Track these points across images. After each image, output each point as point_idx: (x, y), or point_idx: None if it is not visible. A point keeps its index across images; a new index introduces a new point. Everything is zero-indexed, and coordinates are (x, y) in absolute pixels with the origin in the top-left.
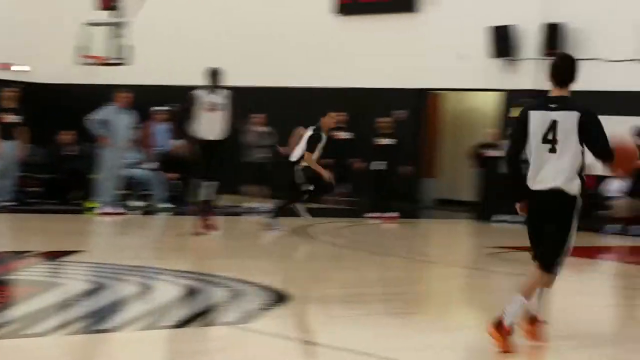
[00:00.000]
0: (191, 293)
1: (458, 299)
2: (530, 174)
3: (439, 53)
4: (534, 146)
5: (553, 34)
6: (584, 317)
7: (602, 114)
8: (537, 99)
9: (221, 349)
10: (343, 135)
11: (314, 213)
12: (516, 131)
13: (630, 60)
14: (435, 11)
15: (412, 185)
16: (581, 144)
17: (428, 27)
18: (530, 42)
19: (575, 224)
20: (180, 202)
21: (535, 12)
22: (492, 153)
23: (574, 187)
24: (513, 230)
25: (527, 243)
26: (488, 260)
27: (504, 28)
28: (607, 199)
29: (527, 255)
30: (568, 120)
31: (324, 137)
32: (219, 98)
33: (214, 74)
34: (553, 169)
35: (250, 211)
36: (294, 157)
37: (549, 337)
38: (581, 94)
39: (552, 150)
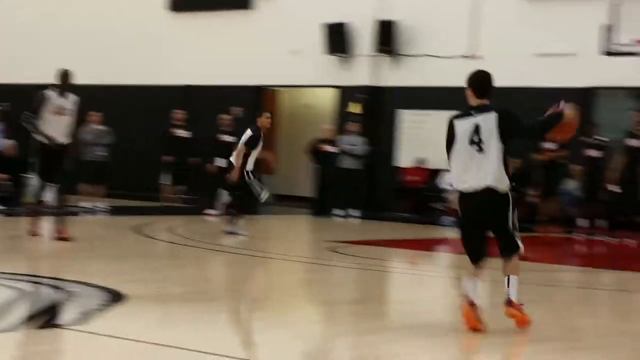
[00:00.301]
0: (25, 296)
1: (299, 294)
2: (459, 177)
3: (275, 50)
4: (462, 149)
5: (386, 31)
6: (423, 308)
7: (435, 108)
8: (462, 110)
9: (55, 351)
10: (182, 133)
11: (151, 211)
12: (447, 140)
13: (461, 56)
14: (270, 8)
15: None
16: (504, 142)
17: (263, 23)
18: (365, 39)
19: (513, 212)
20: (12, 202)
21: (369, 10)
22: (329, 148)
23: (503, 185)
24: (350, 225)
25: (366, 237)
26: (327, 254)
27: (339, 25)
28: (442, 191)
29: (365, 248)
30: (488, 121)
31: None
32: (68, 102)
33: (64, 75)
34: (482, 168)
35: (86, 211)
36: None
37: (396, 328)
38: (414, 89)
39: (480, 150)
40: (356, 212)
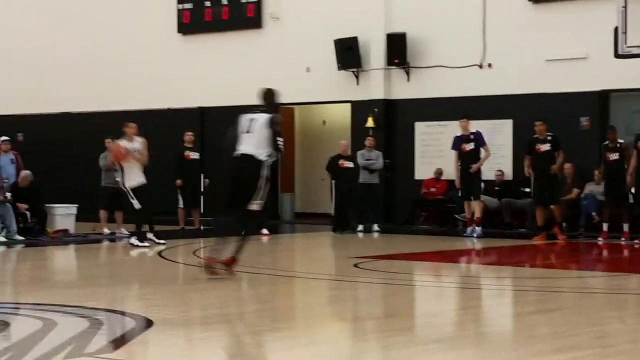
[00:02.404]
0: (52, 326)
1: (324, 312)
2: None
3: (287, 67)
4: None
5: (398, 44)
6: (449, 320)
7: (450, 119)
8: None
9: None
10: (192, 155)
11: (173, 235)
12: None
13: (472, 65)
14: (279, 26)
15: (272, 201)
16: None
17: (274, 42)
18: (376, 52)
19: None
20: (33, 233)
21: (379, 23)
22: (346, 164)
23: None
24: (372, 239)
25: (389, 251)
26: (352, 271)
27: (350, 40)
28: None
29: (389, 262)
30: None
31: None
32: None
33: (270, 94)
34: None
35: (108, 237)
36: None
37: (425, 342)
38: (428, 100)
39: None
40: (377, 227)
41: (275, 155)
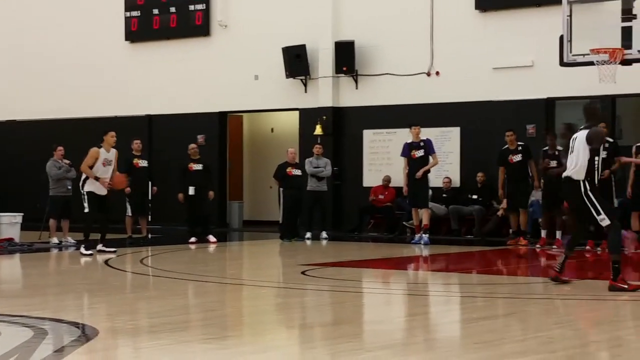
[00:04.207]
0: None
1: (272, 319)
2: None
3: (235, 75)
4: None
5: (345, 52)
6: (397, 327)
7: (398, 127)
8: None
9: None
10: (141, 162)
11: (119, 244)
12: None
13: (420, 73)
14: (228, 34)
15: (220, 208)
16: None
17: (222, 50)
18: (324, 60)
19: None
20: None
21: (327, 31)
22: (294, 171)
23: None
24: (320, 247)
25: (337, 258)
26: (300, 278)
27: (298, 48)
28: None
29: (337, 269)
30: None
31: None
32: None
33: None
34: None
35: (56, 246)
36: None
37: (372, 349)
38: (376, 108)
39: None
40: (325, 234)
41: (584, 174)
